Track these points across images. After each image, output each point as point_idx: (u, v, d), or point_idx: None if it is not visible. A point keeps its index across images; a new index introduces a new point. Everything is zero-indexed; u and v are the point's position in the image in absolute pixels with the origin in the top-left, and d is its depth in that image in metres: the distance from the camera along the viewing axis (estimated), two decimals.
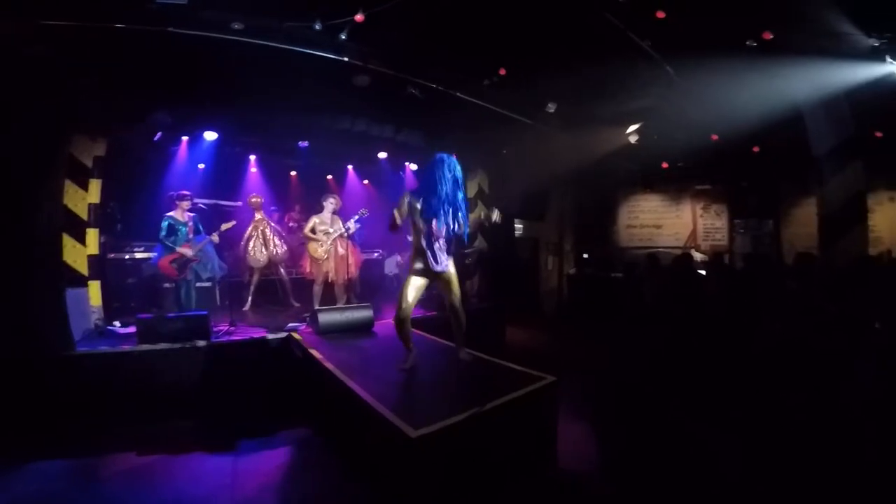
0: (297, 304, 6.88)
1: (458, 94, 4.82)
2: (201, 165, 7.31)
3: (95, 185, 5.14)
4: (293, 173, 8.47)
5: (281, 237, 6.74)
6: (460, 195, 3.24)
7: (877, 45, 3.84)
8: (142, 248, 6.69)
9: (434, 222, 3.17)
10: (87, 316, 4.81)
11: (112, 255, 6.20)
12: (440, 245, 3.28)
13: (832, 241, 4.91)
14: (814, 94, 4.47)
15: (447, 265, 3.35)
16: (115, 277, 6.11)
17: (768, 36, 3.72)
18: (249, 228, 6.60)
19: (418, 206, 3.23)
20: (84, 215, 4.95)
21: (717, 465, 3.26)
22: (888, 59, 3.98)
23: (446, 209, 3.17)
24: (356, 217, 5.91)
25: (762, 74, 4.35)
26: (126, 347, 4.23)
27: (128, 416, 3.86)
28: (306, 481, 3.12)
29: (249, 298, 6.50)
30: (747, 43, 3.84)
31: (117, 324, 5.13)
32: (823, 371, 3.90)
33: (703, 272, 7.14)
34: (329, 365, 3.52)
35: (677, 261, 7.01)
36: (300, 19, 3.58)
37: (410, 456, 2.34)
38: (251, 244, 6.50)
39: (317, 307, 5.76)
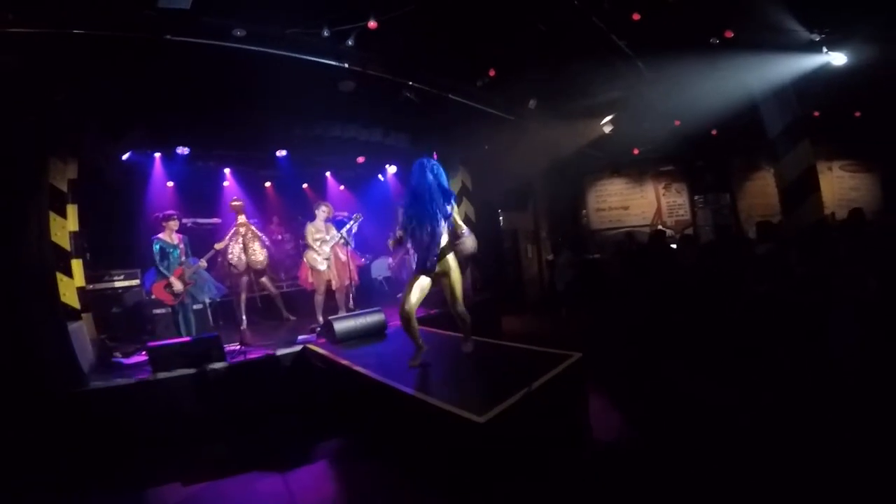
0: (292, 318, 6.80)
1: (449, 95, 4.95)
2: (170, 183, 7.06)
3: (73, 212, 4.88)
4: (268, 184, 8.30)
5: (263, 244, 6.44)
6: (440, 195, 3.29)
7: (816, 39, 4.41)
8: (122, 276, 6.40)
9: (424, 224, 3.27)
10: (87, 350, 4.59)
11: (91, 287, 5.88)
12: (432, 244, 3.32)
13: (791, 210, 5.51)
14: (765, 83, 5.03)
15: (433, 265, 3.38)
16: (98, 308, 5.80)
17: (730, 34, 4.18)
18: (230, 233, 6.25)
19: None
20: (67, 245, 4.70)
21: (727, 418, 3.58)
22: (824, 50, 4.59)
23: (430, 211, 3.26)
24: (352, 222, 5.93)
25: (721, 67, 4.84)
26: (142, 377, 4.10)
27: (157, 446, 3.76)
28: (364, 489, 3.16)
29: (244, 317, 6.34)
30: (711, 40, 4.28)
31: (119, 354, 4.92)
32: (802, 325, 4.40)
33: (675, 246, 7.74)
34: (366, 371, 3.57)
35: (653, 237, 7.56)
36: (303, 26, 3.57)
37: (481, 441, 2.47)
38: (231, 249, 6.18)
39: (320, 317, 5.77)
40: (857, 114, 7.08)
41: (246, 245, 6.24)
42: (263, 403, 4.34)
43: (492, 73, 4.71)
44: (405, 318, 3.42)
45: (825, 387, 3.80)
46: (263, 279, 6.55)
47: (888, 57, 4.68)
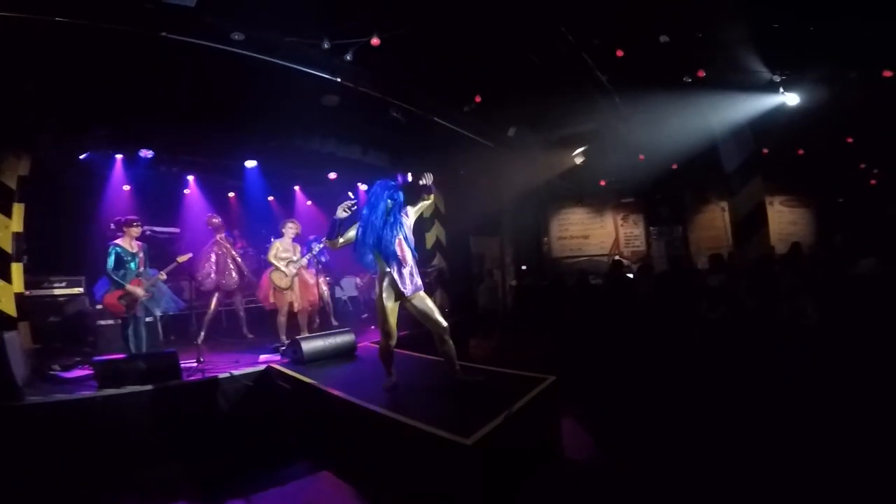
0: (250, 336, 6.48)
1: (434, 118, 5.02)
2: (126, 187, 6.65)
3: (18, 211, 4.46)
4: (231, 195, 7.99)
5: (237, 265, 6.29)
6: (400, 217, 3.25)
7: (777, 80, 4.84)
8: (63, 283, 5.89)
9: (397, 245, 3.20)
10: (22, 362, 4.13)
11: (28, 293, 5.35)
12: (407, 269, 3.27)
13: (742, 243, 5.94)
14: (727, 121, 5.46)
15: (416, 287, 3.31)
16: (34, 316, 5.27)
17: (702, 73, 4.53)
18: (214, 249, 6.14)
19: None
20: (8, 248, 4.28)
21: (686, 437, 3.72)
22: (781, 90, 5.05)
23: (389, 234, 3.20)
24: (321, 245, 5.78)
25: (689, 104, 5.21)
26: (86, 393, 3.74)
27: (104, 468, 3.44)
28: None
29: (203, 332, 5.94)
30: (685, 79, 4.62)
31: (57, 367, 4.48)
32: (752, 351, 4.70)
33: (631, 276, 8.12)
34: (341, 393, 3.44)
35: (613, 267, 7.89)
36: (303, 35, 3.52)
37: (469, 461, 2.46)
38: (224, 265, 6.06)
39: (283, 336, 5.53)
40: (801, 151, 7.62)
41: (220, 265, 6.09)
42: (222, 424, 4.08)
43: (477, 99, 4.85)
44: (390, 349, 3.41)
45: (779, 408, 4.05)
46: (236, 296, 6.39)
47: (834, 98, 5.17)
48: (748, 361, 4.62)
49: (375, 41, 3.48)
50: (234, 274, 6.22)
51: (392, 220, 3.23)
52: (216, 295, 6.08)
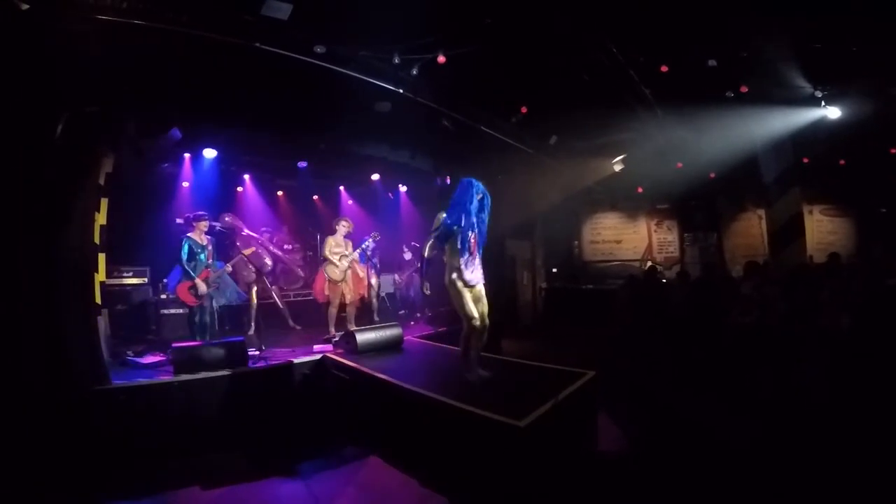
0: (297, 328, 6.86)
1: (481, 127, 5.28)
2: (185, 184, 7.13)
3: (104, 206, 4.87)
4: (280, 193, 8.44)
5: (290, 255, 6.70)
6: (484, 215, 3.58)
7: (819, 95, 4.93)
8: (129, 274, 6.39)
9: (471, 237, 3.47)
10: (104, 347, 4.57)
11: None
12: (476, 261, 3.55)
13: (778, 252, 6.00)
14: (767, 133, 5.55)
15: (477, 280, 3.57)
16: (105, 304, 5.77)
17: (745, 89, 4.66)
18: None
19: (455, 226, 3.48)
20: (97, 240, 4.73)
21: (716, 434, 3.85)
22: (822, 104, 5.13)
23: (475, 226, 3.50)
24: (370, 241, 6.12)
25: (730, 116, 5.32)
26: (165, 378, 4.12)
27: (177, 448, 3.78)
28: (391, 497, 3.21)
29: (252, 323, 6.29)
30: (727, 94, 4.75)
31: (131, 353, 4.92)
32: (783, 353, 4.79)
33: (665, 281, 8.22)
34: (399, 381, 3.68)
35: (648, 273, 8.01)
36: (375, 49, 3.83)
37: (522, 442, 2.67)
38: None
39: (332, 328, 5.87)
40: (842, 162, 7.55)
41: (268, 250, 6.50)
42: (279, 410, 4.39)
43: (524, 110, 5.08)
44: (479, 330, 3.54)
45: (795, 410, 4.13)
46: (274, 288, 6.68)
47: (876, 111, 5.21)
48: (773, 366, 4.72)
49: (441, 59, 3.77)
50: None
51: (483, 216, 3.54)
52: (254, 288, 6.34)
